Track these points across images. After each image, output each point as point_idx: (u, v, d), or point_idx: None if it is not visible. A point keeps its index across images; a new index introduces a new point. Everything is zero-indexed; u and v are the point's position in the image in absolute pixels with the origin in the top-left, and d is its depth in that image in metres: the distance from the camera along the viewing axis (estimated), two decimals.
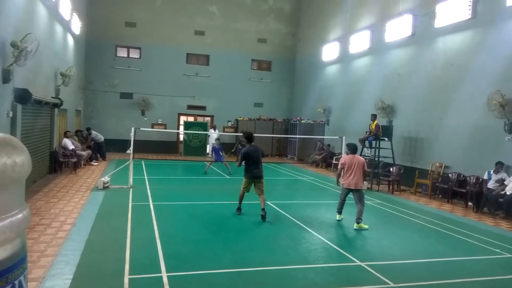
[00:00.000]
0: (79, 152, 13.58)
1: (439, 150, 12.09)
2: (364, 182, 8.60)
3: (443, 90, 12.12)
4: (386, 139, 12.67)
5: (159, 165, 16.08)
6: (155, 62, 20.59)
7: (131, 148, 10.73)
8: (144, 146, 18.16)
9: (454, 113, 11.67)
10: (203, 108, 21.76)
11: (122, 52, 20.74)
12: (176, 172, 15.71)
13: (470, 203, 10.19)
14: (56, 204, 8.26)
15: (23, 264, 1.14)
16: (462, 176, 10.87)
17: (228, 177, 13.63)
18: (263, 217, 7.58)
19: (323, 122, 19.36)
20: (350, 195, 7.87)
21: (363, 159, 8.01)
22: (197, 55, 21.75)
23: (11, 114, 8.53)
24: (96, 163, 15.13)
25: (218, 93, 21.58)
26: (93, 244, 5.82)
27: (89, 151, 14.96)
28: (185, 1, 21.31)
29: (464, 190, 10.39)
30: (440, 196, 11.40)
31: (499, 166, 9.61)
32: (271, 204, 8.92)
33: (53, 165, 12.27)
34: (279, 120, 22.16)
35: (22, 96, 8.75)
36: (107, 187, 10.14)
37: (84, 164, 14.26)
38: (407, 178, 12.45)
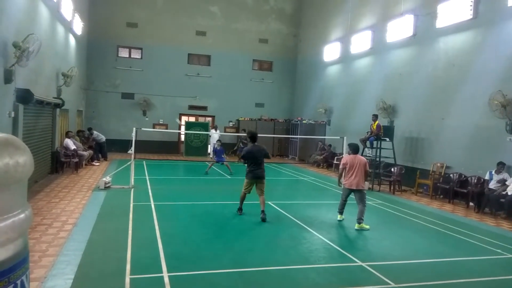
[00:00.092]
0: (80, 152, 13.60)
1: (441, 150, 12.07)
2: (365, 182, 8.58)
3: (444, 90, 12.10)
4: (387, 139, 12.66)
5: (161, 165, 16.09)
6: (156, 63, 20.62)
7: (133, 148, 10.75)
8: (146, 146, 18.18)
9: (455, 113, 11.65)
10: (204, 108, 21.77)
11: (123, 53, 20.77)
12: (178, 172, 15.72)
13: (471, 204, 10.17)
14: (58, 204, 8.28)
15: (25, 264, 1.14)
16: (463, 176, 10.85)
17: (229, 177, 13.63)
18: (263, 220, 7.58)
19: (324, 122, 19.35)
20: (352, 196, 7.87)
21: (365, 159, 8.00)
22: (199, 55, 21.77)
23: (13, 114, 8.55)
24: (97, 163, 15.15)
25: (219, 93, 21.60)
26: (94, 244, 5.83)
27: (91, 151, 14.98)
28: (186, 1, 21.33)
29: (465, 191, 10.37)
30: (442, 196, 11.39)
31: (501, 166, 9.59)
32: (272, 204, 8.92)
33: (55, 165, 12.29)
34: (280, 120, 22.16)
35: (24, 96, 8.77)
36: (109, 187, 10.15)
37: (86, 164, 14.28)
38: (408, 178, 12.44)
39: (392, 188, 12.14)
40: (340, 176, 8.23)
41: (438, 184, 11.33)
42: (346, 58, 17.96)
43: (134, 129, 10.86)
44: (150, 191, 10.25)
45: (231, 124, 22.10)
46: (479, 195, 9.79)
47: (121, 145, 17.05)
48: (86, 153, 14.27)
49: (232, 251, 5.94)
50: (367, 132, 13.08)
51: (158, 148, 19.88)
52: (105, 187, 10.04)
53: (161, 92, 20.62)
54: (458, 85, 11.63)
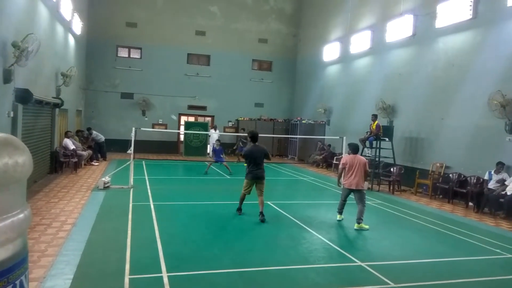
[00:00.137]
0: (79, 152, 13.59)
1: (440, 150, 12.08)
2: (365, 182, 8.58)
3: (444, 90, 12.11)
4: (387, 139, 12.67)
5: (160, 165, 16.09)
6: (156, 62, 20.61)
7: (132, 148, 10.74)
8: (145, 146, 18.17)
9: (455, 113, 11.66)
10: (203, 108, 21.77)
11: (123, 52, 20.75)
12: (177, 172, 15.72)
13: (470, 204, 10.18)
14: (57, 204, 8.27)
15: (24, 264, 1.14)
16: (462, 176, 10.85)
17: (228, 177, 13.63)
18: (262, 221, 7.57)
19: (323, 122, 19.35)
20: (351, 196, 7.87)
21: (365, 159, 7.99)
22: (198, 55, 21.77)
23: (12, 114, 8.54)
24: (96, 163, 15.14)
25: (218, 93, 21.59)
26: (93, 244, 5.82)
27: (90, 151, 14.97)
28: (186, 1, 21.32)
29: (464, 191, 10.38)
30: (441, 196, 11.39)
31: (500, 166, 9.60)
32: (271, 204, 8.92)
33: (54, 165, 12.28)
34: (279, 120, 22.16)
35: (23, 96, 8.76)
36: (108, 187, 10.15)
37: (85, 164, 14.27)
38: (407, 178, 12.44)
39: (391, 188, 12.14)
40: (339, 176, 8.22)
41: (438, 184, 11.34)
42: (345, 58, 17.96)
43: (134, 129, 10.85)
44: (149, 191, 10.25)
45: (230, 124, 22.10)
46: (479, 195, 9.80)
47: (121, 145, 17.07)
48: (85, 153, 14.26)
49: (231, 251, 5.93)
50: (367, 132, 13.08)
51: (158, 148, 19.88)
52: (104, 187, 10.03)
53: (160, 92, 20.62)
54: (457, 85, 11.64)
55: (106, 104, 20.20)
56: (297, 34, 23.13)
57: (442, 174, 11.62)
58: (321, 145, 18.57)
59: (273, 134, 20.21)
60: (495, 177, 9.66)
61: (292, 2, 23.02)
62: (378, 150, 12.49)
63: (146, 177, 12.52)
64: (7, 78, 8.10)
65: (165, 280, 4.63)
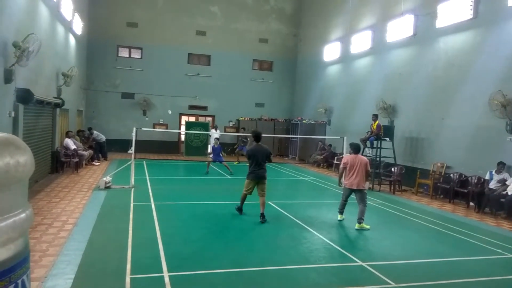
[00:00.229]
0: (80, 152, 13.60)
1: (441, 150, 12.07)
2: (366, 182, 8.58)
3: (444, 90, 12.10)
4: (388, 139, 12.66)
5: (161, 165, 16.10)
6: (156, 62, 20.62)
7: (133, 148, 10.75)
8: (146, 146, 18.17)
9: (455, 113, 11.65)
10: (204, 108, 21.78)
11: (123, 52, 20.77)
12: (178, 172, 15.72)
13: (471, 203, 10.17)
14: (58, 204, 8.28)
15: (26, 263, 1.14)
16: (463, 176, 10.85)
17: (229, 177, 13.63)
18: (263, 223, 7.55)
19: (324, 122, 19.35)
20: (352, 196, 7.86)
21: (366, 159, 7.97)
22: (199, 55, 21.77)
23: (13, 114, 8.55)
24: (97, 163, 15.15)
25: (219, 93, 21.60)
26: (94, 244, 5.83)
27: (91, 151, 14.98)
28: (186, 1, 21.32)
29: (465, 190, 10.38)
30: (442, 196, 11.39)
31: (501, 166, 9.59)
32: (272, 204, 8.92)
33: (55, 165, 12.29)
34: (280, 120, 22.16)
35: (24, 96, 8.78)
36: (109, 187, 10.15)
37: (86, 164, 14.28)
38: (408, 178, 12.44)
39: (392, 188, 12.14)
40: (340, 176, 8.22)
41: (438, 184, 11.33)
42: (346, 58, 17.96)
43: (134, 129, 10.86)
44: (150, 191, 10.25)
45: (231, 124, 22.10)
46: (479, 195, 9.79)
47: (121, 145, 17.10)
48: (86, 153, 14.27)
49: (232, 251, 5.94)
50: (367, 132, 13.07)
51: (158, 148, 19.88)
52: (105, 187, 10.04)
53: (161, 92, 20.62)
54: (458, 85, 11.63)
55: (107, 104, 20.21)
56: (298, 34, 23.12)
57: (443, 174, 11.61)
58: (321, 145, 18.57)
59: (274, 134, 20.20)
60: (496, 177, 9.65)
61: (292, 2, 23.01)
62: (378, 150, 12.49)
63: (147, 177, 12.53)
64: (8, 78, 8.11)
65: (166, 279, 4.64)
